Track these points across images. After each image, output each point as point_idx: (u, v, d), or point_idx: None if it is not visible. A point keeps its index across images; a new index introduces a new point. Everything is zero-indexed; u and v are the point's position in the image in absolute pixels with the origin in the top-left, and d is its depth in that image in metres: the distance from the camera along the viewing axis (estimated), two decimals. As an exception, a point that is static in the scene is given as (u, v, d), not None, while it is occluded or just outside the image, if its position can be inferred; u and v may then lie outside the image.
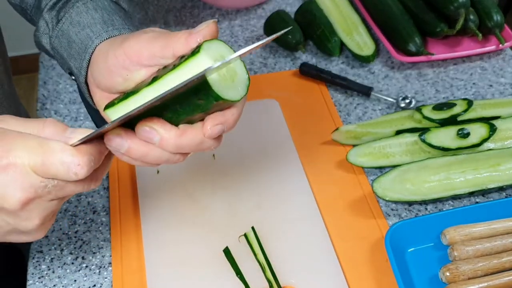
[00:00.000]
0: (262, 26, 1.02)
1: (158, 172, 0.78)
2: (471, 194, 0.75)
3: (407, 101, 0.89)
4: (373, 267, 0.69)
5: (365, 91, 0.90)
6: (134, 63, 0.52)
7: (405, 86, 0.93)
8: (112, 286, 0.68)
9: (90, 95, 0.59)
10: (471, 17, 0.94)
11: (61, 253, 0.71)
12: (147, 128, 0.48)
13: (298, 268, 0.69)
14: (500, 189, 0.76)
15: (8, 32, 0.88)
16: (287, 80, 0.94)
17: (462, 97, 0.91)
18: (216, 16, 1.08)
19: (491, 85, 0.93)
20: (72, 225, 0.74)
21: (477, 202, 0.76)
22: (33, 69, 1.26)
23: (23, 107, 0.91)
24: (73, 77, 0.62)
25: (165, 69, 0.49)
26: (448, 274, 0.65)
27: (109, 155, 0.50)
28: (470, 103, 0.82)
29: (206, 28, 0.48)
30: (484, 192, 0.76)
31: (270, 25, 1.00)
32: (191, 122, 0.49)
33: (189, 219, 0.74)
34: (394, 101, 0.89)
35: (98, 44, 0.56)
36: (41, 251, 0.71)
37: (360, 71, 0.96)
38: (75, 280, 0.69)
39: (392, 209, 0.76)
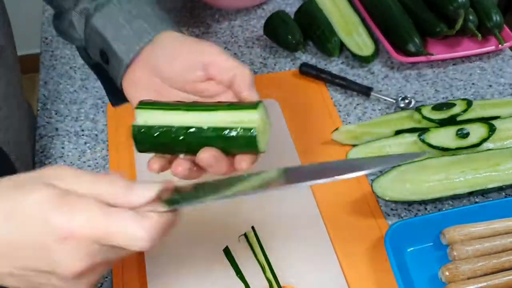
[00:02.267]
0: (262, 27, 1.02)
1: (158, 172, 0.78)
2: (471, 194, 0.75)
3: (407, 101, 0.89)
4: (373, 267, 0.69)
5: (364, 91, 0.90)
6: (204, 63, 0.57)
7: (404, 86, 0.93)
8: (112, 285, 0.68)
9: (122, 76, 0.63)
10: (471, 17, 0.95)
11: (62, 252, 0.71)
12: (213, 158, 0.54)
13: (298, 267, 0.69)
14: (500, 189, 0.76)
15: (9, 32, 0.88)
16: (287, 80, 0.94)
17: (462, 97, 0.91)
18: (216, 16, 1.08)
19: (490, 85, 0.93)
20: (72, 225, 0.74)
21: (476, 202, 0.76)
22: (34, 69, 1.26)
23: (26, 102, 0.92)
24: (104, 56, 0.64)
25: (216, 104, 0.55)
26: (447, 273, 0.65)
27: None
28: (469, 103, 0.82)
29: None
30: (483, 192, 0.76)
31: (270, 26, 1.00)
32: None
33: (189, 218, 0.74)
34: (394, 101, 0.89)
35: (155, 35, 0.61)
36: (42, 251, 0.71)
37: (359, 71, 0.96)
38: (75, 280, 0.69)
39: (391, 209, 0.76)
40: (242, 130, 0.53)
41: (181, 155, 0.57)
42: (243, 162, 0.55)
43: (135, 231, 0.44)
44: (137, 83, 0.62)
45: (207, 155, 0.53)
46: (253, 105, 0.54)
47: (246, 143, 0.54)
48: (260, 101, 0.55)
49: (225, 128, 0.53)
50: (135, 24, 0.63)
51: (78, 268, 0.45)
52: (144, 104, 0.56)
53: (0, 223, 0.45)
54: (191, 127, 0.54)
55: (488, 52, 0.98)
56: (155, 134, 0.54)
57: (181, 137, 0.54)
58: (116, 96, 0.68)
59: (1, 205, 0.45)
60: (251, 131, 0.53)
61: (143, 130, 0.55)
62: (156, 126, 0.54)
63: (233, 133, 0.53)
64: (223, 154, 0.54)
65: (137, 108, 0.56)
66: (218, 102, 0.56)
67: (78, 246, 0.44)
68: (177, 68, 0.58)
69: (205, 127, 0.54)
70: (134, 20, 0.63)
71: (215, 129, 0.53)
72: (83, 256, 0.44)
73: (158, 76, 0.60)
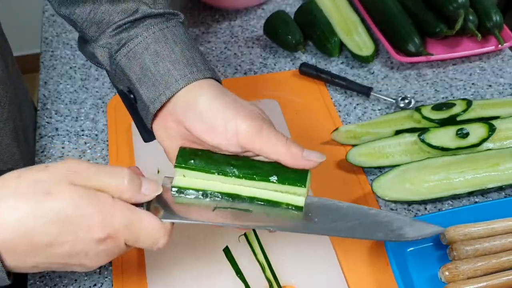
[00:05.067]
0: (262, 27, 1.02)
1: (158, 172, 0.78)
2: (470, 194, 0.75)
3: (407, 101, 0.89)
4: (373, 267, 0.69)
5: (364, 91, 0.90)
6: (239, 144, 0.54)
7: (404, 86, 0.93)
8: (112, 285, 0.68)
9: (151, 122, 0.59)
10: (470, 17, 0.95)
11: (62, 252, 0.71)
12: None
13: (298, 267, 0.69)
14: (499, 189, 0.76)
15: (9, 33, 0.88)
16: (287, 80, 0.94)
17: (461, 97, 0.91)
18: (216, 16, 1.08)
19: (490, 85, 0.93)
20: (72, 225, 0.74)
21: (476, 202, 0.76)
22: (34, 69, 1.26)
23: (25, 86, 0.91)
24: (132, 95, 0.60)
25: (259, 174, 0.55)
26: (447, 273, 0.65)
27: None
28: (469, 103, 0.82)
29: (317, 162, 0.56)
30: (483, 192, 0.76)
31: (270, 26, 1.00)
32: None
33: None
34: (394, 101, 0.89)
35: (184, 86, 0.56)
36: (42, 251, 0.72)
37: (359, 71, 0.96)
38: (75, 280, 0.69)
39: (391, 209, 0.76)
40: (287, 206, 0.56)
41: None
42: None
43: (159, 234, 0.52)
44: (167, 131, 0.58)
45: None
46: (300, 181, 0.55)
47: (291, 213, 0.56)
48: (307, 171, 0.56)
49: (270, 201, 0.55)
50: (161, 66, 0.57)
51: (104, 263, 0.52)
52: (182, 161, 0.56)
53: (35, 224, 0.48)
54: (233, 195, 0.56)
55: (488, 52, 0.98)
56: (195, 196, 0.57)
57: (217, 198, 0.56)
58: (149, 132, 0.62)
59: (29, 208, 0.48)
60: (298, 208, 0.56)
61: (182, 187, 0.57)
62: (194, 188, 0.57)
63: (279, 208, 0.56)
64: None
65: (175, 167, 0.57)
66: (261, 164, 0.56)
67: (115, 249, 0.51)
68: (215, 141, 0.55)
69: (248, 197, 0.56)
70: (160, 62, 0.57)
71: (259, 200, 0.56)
72: (114, 255, 0.52)
73: (190, 131, 0.56)
